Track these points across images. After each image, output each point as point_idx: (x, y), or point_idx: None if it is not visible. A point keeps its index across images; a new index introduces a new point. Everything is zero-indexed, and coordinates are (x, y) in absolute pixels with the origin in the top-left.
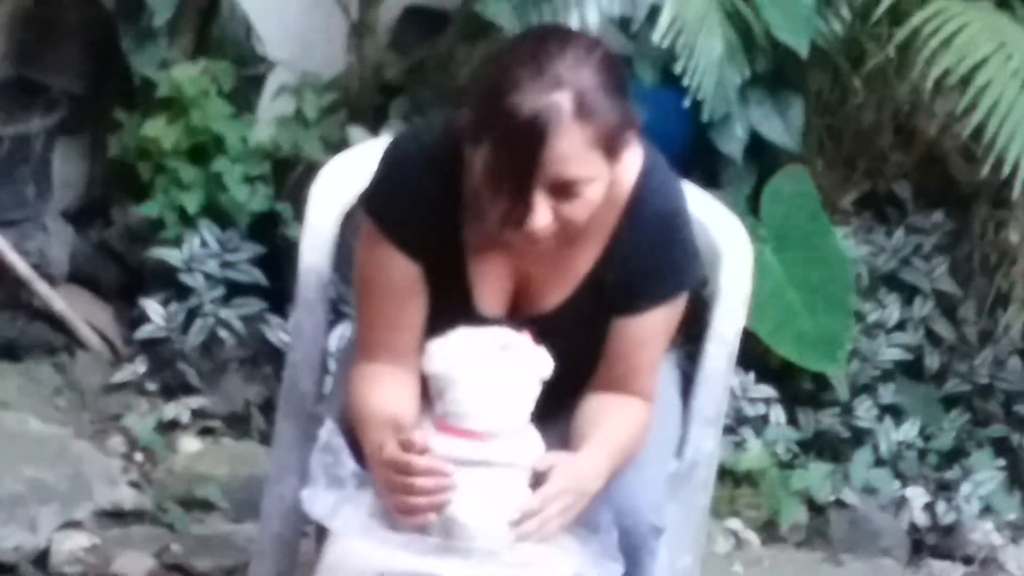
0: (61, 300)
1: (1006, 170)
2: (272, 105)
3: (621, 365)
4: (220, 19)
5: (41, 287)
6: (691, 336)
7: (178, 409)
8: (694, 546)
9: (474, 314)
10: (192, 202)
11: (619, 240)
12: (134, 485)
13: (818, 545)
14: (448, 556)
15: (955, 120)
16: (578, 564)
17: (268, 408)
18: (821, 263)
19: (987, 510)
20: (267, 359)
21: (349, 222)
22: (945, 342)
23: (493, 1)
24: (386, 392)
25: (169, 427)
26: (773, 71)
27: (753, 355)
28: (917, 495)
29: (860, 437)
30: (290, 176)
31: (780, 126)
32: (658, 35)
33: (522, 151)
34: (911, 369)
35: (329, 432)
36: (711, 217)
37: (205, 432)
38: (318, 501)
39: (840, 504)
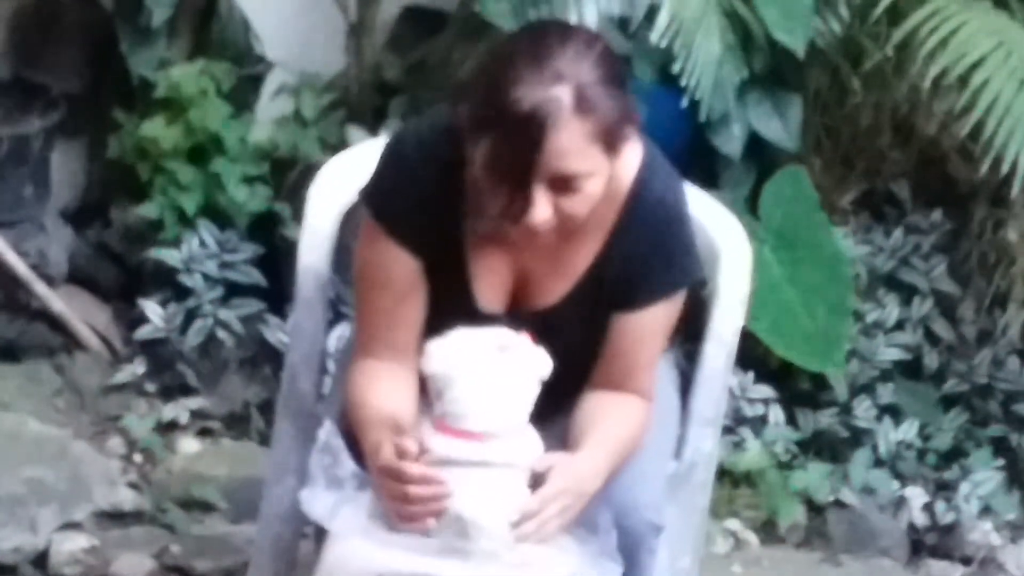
0: (60, 301)
1: (1004, 168)
2: (271, 105)
3: (620, 362)
4: (219, 19)
5: (40, 288)
6: (690, 336)
7: (177, 410)
8: (693, 546)
9: (473, 310)
10: (191, 202)
11: (618, 236)
12: (133, 486)
13: (817, 545)
14: (448, 557)
15: (953, 119)
16: (577, 565)
17: (267, 409)
18: (820, 263)
19: (986, 510)
20: (266, 360)
21: (348, 222)
22: (944, 342)
23: (492, 1)
24: (385, 390)
25: (168, 428)
26: (771, 71)
27: (752, 355)
28: (916, 495)
29: (859, 437)
30: (289, 176)
31: (778, 126)
32: (656, 35)
33: (522, 145)
34: (910, 369)
35: (328, 433)
36: (710, 217)
37: (204, 433)
38: (317, 502)
39: (839, 504)
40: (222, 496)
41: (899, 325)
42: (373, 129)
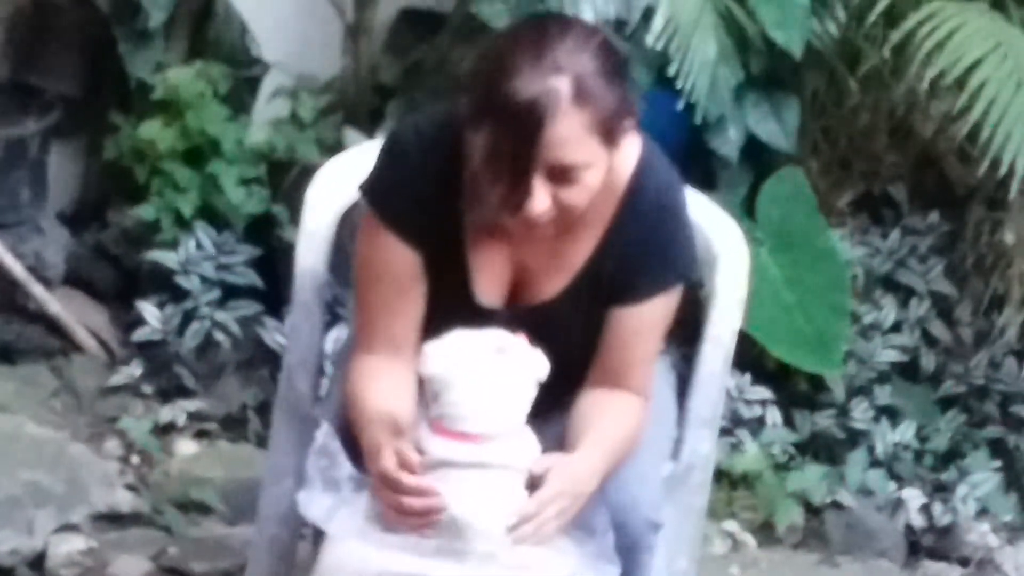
0: (57, 303)
1: (1002, 171)
2: (268, 107)
3: (616, 356)
4: (215, 21)
5: (37, 290)
6: (687, 338)
7: (174, 412)
8: (691, 548)
9: (472, 304)
10: (188, 204)
11: (617, 229)
12: (131, 488)
13: (814, 547)
14: (445, 559)
15: (950, 121)
16: (575, 566)
17: (264, 411)
18: (817, 265)
19: (983, 511)
20: (263, 362)
21: (345, 224)
22: (941, 343)
23: (488, 2)
24: (383, 387)
25: (165, 430)
26: (768, 73)
27: (749, 357)
28: (913, 496)
29: (856, 439)
30: (286, 178)
31: (776, 128)
32: (652, 37)
33: (521, 135)
34: (907, 370)
35: (325, 435)
36: (707, 219)
37: (201, 435)
38: (314, 504)
39: (836, 506)
40: (219, 498)
41: (896, 327)
42: (370, 131)
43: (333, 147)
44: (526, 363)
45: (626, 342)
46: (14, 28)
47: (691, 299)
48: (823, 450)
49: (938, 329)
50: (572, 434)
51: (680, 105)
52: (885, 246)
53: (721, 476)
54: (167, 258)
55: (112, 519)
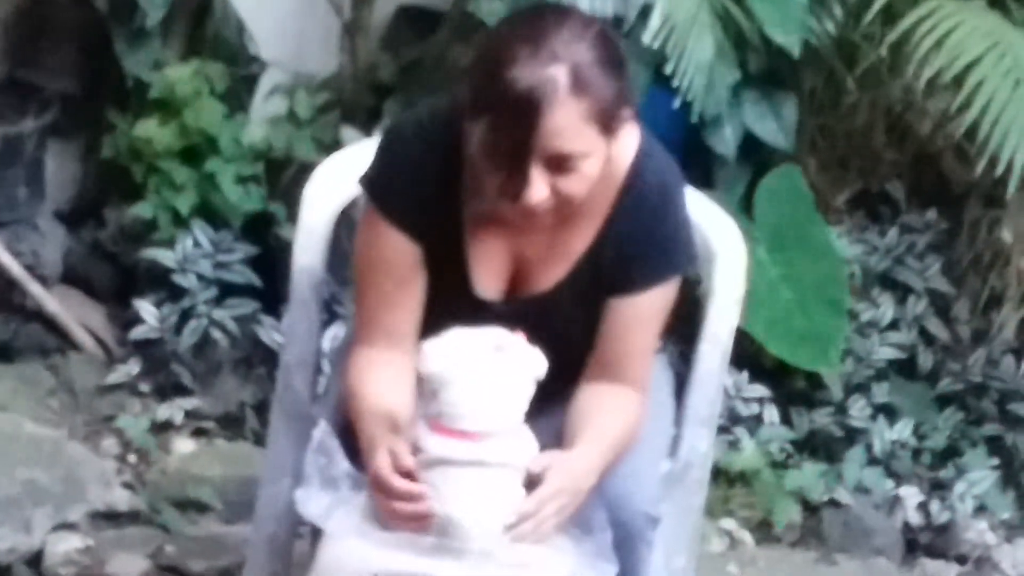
0: (54, 301)
1: (1000, 169)
2: (265, 105)
3: (614, 348)
4: (213, 20)
5: (34, 288)
6: (685, 336)
7: (171, 410)
8: (688, 546)
9: (471, 297)
10: (185, 203)
11: (615, 220)
12: (128, 486)
13: (812, 545)
14: (443, 557)
15: (948, 119)
16: (573, 564)
17: (262, 409)
18: (815, 262)
19: (981, 509)
20: (261, 360)
21: (343, 222)
22: (938, 341)
23: (486, 1)
24: (382, 382)
25: (163, 428)
26: (766, 71)
27: (747, 355)
28: (911, 494)
29: (854, 436)
30: (283, 176)
31: (773, 126)
32: (648, 36)
33: (518, 125)
34: (904, 368)
35: (323, 433)
36: (705, 217)
37: (199, 433)
38: (312, 502)
39: (834, 504)
40: (217, 496)
41: (894, 324)
42: (367, 129)
43: (331, 145)
44: (524, 361)
45: (624, 333)
46: (12, 26)
47: (689, 297)
48: (821, 448)
49: (936, 327)
50: (570, 430)
51: (677, 103)
52: (883, 244)
53: (719, 474)
54: (164, 256)
55: (109, 517)
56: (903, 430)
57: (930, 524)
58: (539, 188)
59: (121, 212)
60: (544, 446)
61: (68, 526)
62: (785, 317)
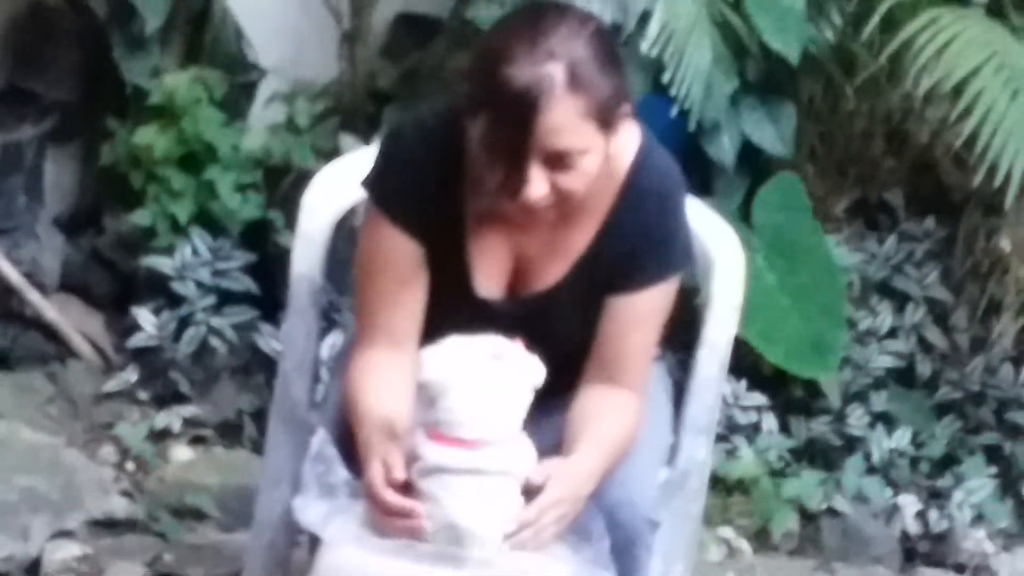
0: (53, 309)
1: (998, 180)
2: (264, 113)
3: (612, 347)
4: (212, 27)
5: (33, 296)
6: (683, 344)
7: (170, 418)
8: (686, 554)
9: (472, 296)
10: (184, 210)
11: (616, 217)
12: (126, 494)
13: (810, 553)
14: (441, 564)
15: (946, 127)
16: (571, 572)
17: (260, 417)
18: (813, 270)
19: (979, 518)
20: (259, 367)
21: (341, 230)
22: (937, 349)
23: (485, 7)
24: (382, 387)
25: (161, 436)
26: (765, 78)
27: (745, 363)
28: (909, 503)
29: (852, 445)
30: (282, 184)
31: (772, 133)
32: (647, 44)
33: (516, 123)
34: (903, 377)
35: (321, 441)
36: (703, 225)
37: (197, 441)
38: (310, 510)
39: (832, 512)
40: (215, 504)
41: (892, 333)
42: (366, 137)
43: (329, 153)
44: (522, 369)
45: (622, 332)
46: (10, 34)
47: (687, 305)
48: (819, 456)
49: (934, 335)
50: (569, 435)
51: (675, 111)
52: (881, 252)
53: (717, 482)
54: (163, 264)
55: (107, 525)
56: (901, 438)
57: (928, 533)
58: (538, 185)
59: (120, 219)
60: (544, 447)
61: (66, 534)
62: (783, 325)
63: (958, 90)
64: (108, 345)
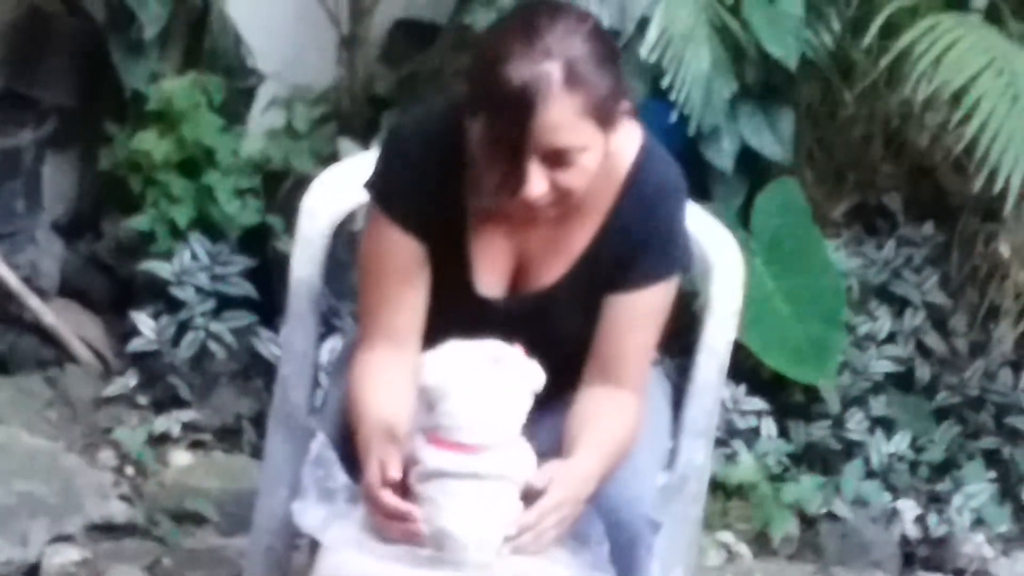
0: (52, 313)
1: (998, 186)
2: (263, 118)
3: (612, 347)
4: (210, 32)
5: (32, 300)
6: (682, 348)
7: (169, 422)
8: (686, 559)
9: (473, 295)
10: (183, 215)
11: (617, 216)
12: (125, 499)
13: (809, 558)
14: (440, 569)
15: (945, 132)
16: None
17: (259, 421)
18: (812, 275)
19: (978, 522)
20: (258, 372)
21: (340, 235)
22: (936, 354)
23: (483, 13)
24: (383, 389)
25: (160, 440)
26: (763, 83)
27: (744, 367)
28: (908, 507)
29: (851, 449)
30: (281, 189)
31: (771, 138)
32: (646, 49)
33: (513, 121)
34: (902, 381)
35: (320, 445)
36: (702, 229)
37: (196, 445)
38: (309, 514)
39: (831, 516)
40: (214, 509)
41: (891, 337)
42: (365, 141)
43: (328, 158)
44: (522, 374)
45: (621, 331)
46: (9, 38)
47: (686, 309)
48: (818, 461)
49: (933, 340)
50: (569, 437)
51: (674, 116)
52: (880, 257)
53: (716, 487)
54: (162, 269)
55: (106, 530)
56: (900, 443)
57: (927, 537)
58: (537, 183)
59: (119, 224)
60: (545, 447)
61: (65, 538)
62: (782, 330)
63: (958, 96)
64: (107, 350)
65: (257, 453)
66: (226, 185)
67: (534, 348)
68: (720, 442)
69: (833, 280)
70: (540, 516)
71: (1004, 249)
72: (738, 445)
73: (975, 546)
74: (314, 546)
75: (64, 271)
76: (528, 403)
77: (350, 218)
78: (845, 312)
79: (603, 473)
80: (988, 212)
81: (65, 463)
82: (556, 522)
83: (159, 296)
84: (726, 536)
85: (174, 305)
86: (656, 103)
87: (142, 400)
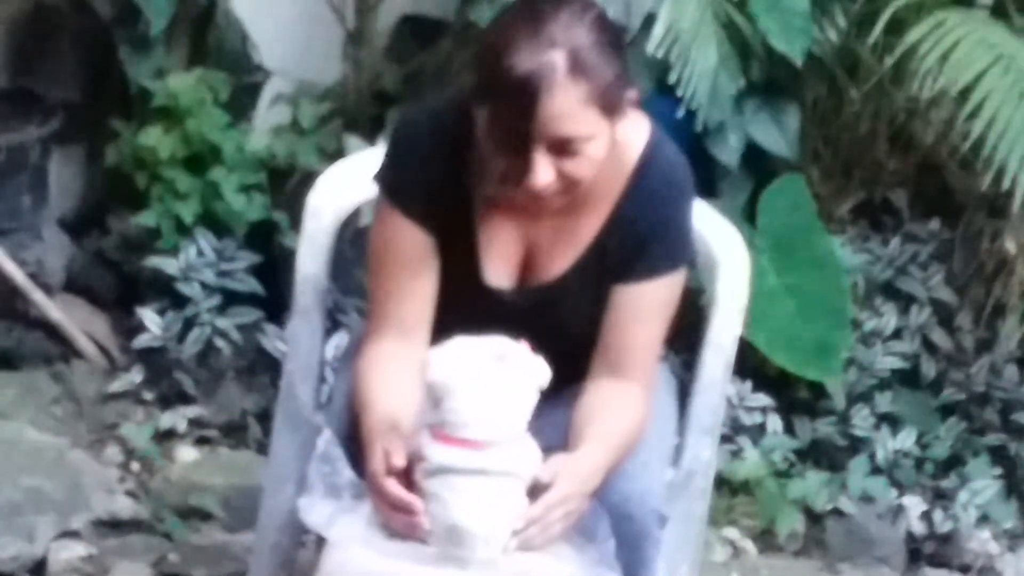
0: (58, 309)
1: (1006, 184)
2: (268, 114)
3: (618, 338)
4: (216, 28)
5: (38, 296)
6: (688, 345)
7: (175, 418)
8: (691, 555)
9: (481, 285)
10: (188, 211)
11: (625, 206)
12: (131, 494)
13: (815, 554)
14: (445, 565)
15: (951, 128)
16: (575, 573)
17: (265, 417)
18: (817, 272)
19: (984, 519)
20: (264, 368)
21: (346, 231)
22: (942, 351)
23: (489, 9)
24: (390, 378)
25: (166, 436)
26: (769, 80)
27: (750, 364)
28: (914, 504)
29: (857, 446)
30: (286, 185)
31: (776, 135)
32: (652, 45)
33: (518, 110)
34: (908, 378)
35: (327, 441)
36: (708, 226)
37: (202, 441)
38: (315, 510)
39: (837, 513)
40: (220, 505)
41: (897, 334)
42: (371, 138)
43: (334, 154)
44: (527, 370)
45: (628, 322)
46: (15, 34)
47: (692, 306)
48: (824, 457)
49: (939, 336)
50: (575, 430)
51: (681, 112)
52: (886, 253)
53: (722, 483)
54: (168, 264)
55: (112, 526)
56: (906, 439)
57: (933, 533)
58: (543, 172)
59: (124, 220)
60: (552, 439)
61: (71, 534)
62: (788, 326)
63: (964, 92)
64: (113, 346)
65: (263, 449)
66: (232, 181)
67: (542, 339)
68: (726, 438)
69: (838, 276)
70: (546, 509)
71: (1010, 245)
72: (744, 441)
73: (981, 542)
74: (320, 542)
75: (70, 267)
76: (534, 399)
77: (356, 214)
78: (851, 308)
79: (609, 466)
80: (994, 208)
81: (71, 459)
82: (562, 516)
83: (165, 292)
84: (732, 532)
85: (180, 301)
86: (662, 99)
87: (148, 396)
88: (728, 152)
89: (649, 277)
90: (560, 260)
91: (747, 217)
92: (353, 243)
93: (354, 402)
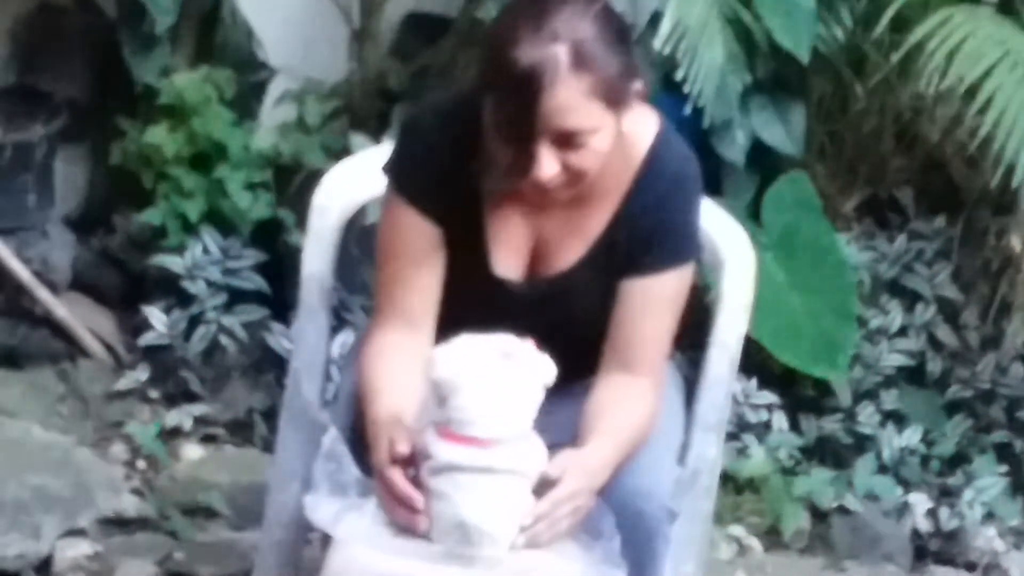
0: (63, 307)
1: (1015, 182)
2: (274, 112)
3: (627, 333)
4: (222, 26)
5: (43, 294)
6: (693, 343)
7: (180, 416)
8: (697, 553)
9: (490, 277)
10: (194, 209)
11: (633, 199)
12: (137, 492)
13: (821, 551)
14: (451, 563)
15: (957, 125)
16: (581, 571)
17: (271, 415)
18: (823, 269)
19: (990, 516)
20: (269, 366)
21: (351, 229)
22: (947, 348)
23: (494, 6)
24: (395, 370)
25: (172, 434)
26: (775, 77)
27: (755, 361)
28: (920, 501)
29: (862, 443)
30: (292, 183)
31: (782, 132)
32: (659, 42)
33: (521, 104)
34: (913, 375)
35: (332, 439)
36: (713, 223)
37: (208, 439)
38: (321, 508)
39: (843, 510)
40: (225, 503)
41: (902, 331)
42: (376, 136)
43: (339, 152)
44: (533, 367)
45: (637, 316)
46: (20, 33)
47: (698, 304)
48: (829, 455)
49: (944, 334)
50: (584, 425)
51: (687, 109)
52: (891, 250)
53: (727, 481)
54: (173, 263)
55: (118, 523)
56: (912, 437)
57: (939, 531)
58: (548, 165)
59: (130, 218)
60: (558, 437)
61: (77, 532)
62: (793, 324)
63: (972, 90)
64: (119, 344)
65: (269, 447)
66: (237, 179)
67: (551, 331)
68: (731, 436)
69: (844, 274)
70: (554, 505)
71: (1016, 243)
72: (749, 439)
73: (986, 540)
74: (326, 540)
75: (76, 265)
76: (539, 397)
77: (361, 212)
78: (856, 306)
79: (617, 462)
80: (1000, 206)
81: (77, 457)
82: (570, 512)
83: (170, 290)
84: (737, 530)
85: (185, 299)
86: (668, 96)
87: (154, 394)
88: (734, 149)
89: (658, 271)
90: (569, 252)
91: (752, 215)
92: (359, 241)
93: (359, 391)
